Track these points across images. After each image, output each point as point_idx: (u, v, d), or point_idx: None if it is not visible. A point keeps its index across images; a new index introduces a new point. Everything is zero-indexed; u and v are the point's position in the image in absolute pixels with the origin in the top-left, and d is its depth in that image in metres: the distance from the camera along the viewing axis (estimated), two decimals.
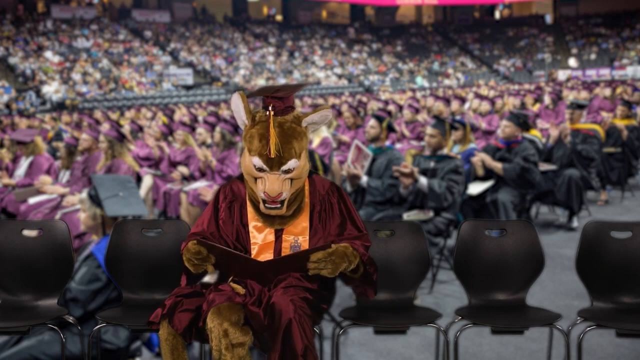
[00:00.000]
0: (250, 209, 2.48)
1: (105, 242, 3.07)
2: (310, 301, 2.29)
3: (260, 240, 2.45)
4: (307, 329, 2.16)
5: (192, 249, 2.32)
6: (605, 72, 34.67)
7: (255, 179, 2.37)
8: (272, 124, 2.32)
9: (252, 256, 2.44)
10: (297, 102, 16.34)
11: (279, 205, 2.36)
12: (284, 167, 2.33)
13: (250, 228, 2.47)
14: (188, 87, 30.97)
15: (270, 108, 2.35)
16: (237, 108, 2.40)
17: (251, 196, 2.46)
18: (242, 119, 2.41)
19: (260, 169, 2.35)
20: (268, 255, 2.44)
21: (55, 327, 2.78)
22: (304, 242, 2.45)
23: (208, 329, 2.20)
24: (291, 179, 2.36)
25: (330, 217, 2.49)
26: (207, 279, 3.20)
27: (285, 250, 2.44)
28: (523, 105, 11.41)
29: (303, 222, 2.47)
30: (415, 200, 4.90)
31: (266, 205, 2.37)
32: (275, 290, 2.27)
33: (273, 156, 2.31)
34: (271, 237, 2.45)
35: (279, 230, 2.46)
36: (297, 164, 2.35)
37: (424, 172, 4.98)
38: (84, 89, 27.54)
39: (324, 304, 2.43)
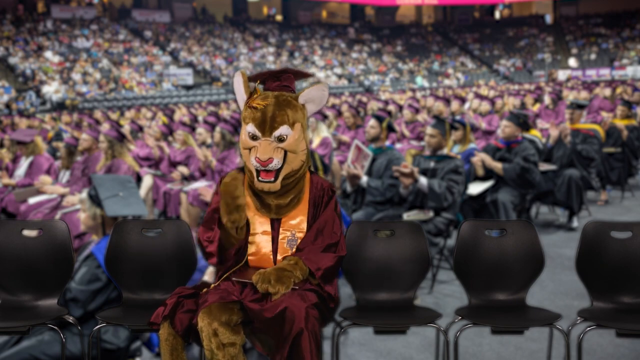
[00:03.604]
0: (249, 202, 2.47)
1: (105, 242, 3.07)
2: (320, 307, 2.31)
3: (258, 230, 2.45)
4: (316, 341, 2.17)
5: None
6: (605, 72, 34.64)
7: (250, 151, 2.37)
8: (270, 95, 2.38)
9: (250, 247, 2.46)
10: None
11: (272, 179, 2.35)
12: (276, 133, 2.34)
13: (248, 217, 2.45)
14: (188, 87, 30.97)
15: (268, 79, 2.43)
16: (238, 86, 2.43)
17: (249, 181, 2.45)
18: (242, 96, 2.44)
19: (253, 136, 2.36)
20: (267, 245, 2.44)
21: (55, 327, 2.78)
22: (300, 236, 2.46)
23: (199, 328, 2.20)
24: (285, 152, 2.36)
25: (319, 214, 2.49)
26: (207, 277, 3.20)
27: (282, 242, 2.45)
28: (523, 105, 11.41)
29: (301, 216, 2.46)
30: (415, 200, 4.90)
31: (259, 178, 2.36)
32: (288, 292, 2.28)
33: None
34: (268, 228, 2.45)
35: (275, 220, 2.45)
36: (289, 132, 2.35)
37: (424, 172, 4.98)
38: (84, 89, 27.54)
39: (330, 310, 2.45)
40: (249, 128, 2.35)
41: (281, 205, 2.43)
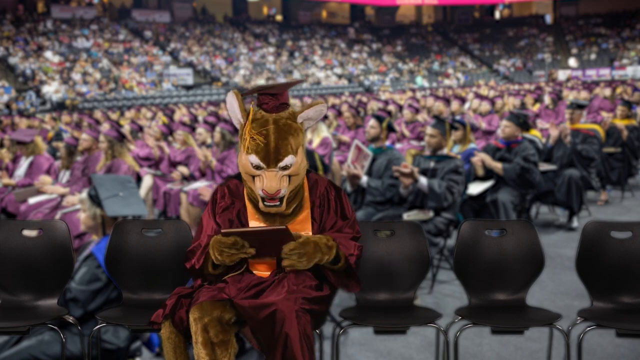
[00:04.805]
0: (250, 208, 2.46)
1: (105, 242, 3.07)
2: (313, 306, 2.29)
3: None
4: (308, 342, 2.15)
5: (226, 241, 2.28)
6: (605, 72, 34.65)
7: (253, 177, 2.35)
8: (269, 121, 2.32)
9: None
10: (297, 102, 16.33)
11: (278, 203, 2.35)
12: (281, 164, 2.32)
13: (251, 223, 2.44)
14: (188, 87, 30.98)
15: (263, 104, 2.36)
16: (232, 107, 2.38)
17: (250, 195, 2.44)
18: (237, 117, 2.39)
19: (257, 167, 2.33)
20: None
21: (55, 327, 2.78)
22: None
23: (190, 324, 2.20)
24: (289, 176, 2.35)
25: (327, 214, 2.49)
26: None
27: None
28: (523, 105, 11.41)
29: (305, 221, 2.45)
30: (415, 200, 4.90)
31: (265, 203, 2.35)
32: (277, 290, 2.25)
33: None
34: None
35: None
36: (293, 160, 2.34)
37: (424, 172, 4.98)
38: (84, 89, 27.55)
39: (324, 307, 2.43)
40: (252, 159, 2.32)
41: (285, 215, 2.43)
